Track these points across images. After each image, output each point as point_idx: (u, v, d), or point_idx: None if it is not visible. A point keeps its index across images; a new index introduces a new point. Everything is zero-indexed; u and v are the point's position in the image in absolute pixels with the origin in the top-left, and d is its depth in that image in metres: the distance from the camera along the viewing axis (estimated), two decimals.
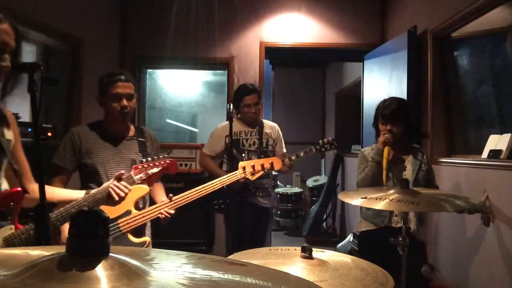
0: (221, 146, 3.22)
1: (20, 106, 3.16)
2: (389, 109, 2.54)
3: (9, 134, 1.40)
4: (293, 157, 2.97)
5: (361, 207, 2.74)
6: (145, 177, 1.97)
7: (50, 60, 3.90)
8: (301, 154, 2.96)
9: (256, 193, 3.11)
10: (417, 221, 2.53)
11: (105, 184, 1.91)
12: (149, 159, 2.00)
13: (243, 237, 2.98)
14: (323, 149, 3.03)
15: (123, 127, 2.25)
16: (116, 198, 1.85)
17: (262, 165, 2.55)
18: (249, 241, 3.04)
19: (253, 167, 2.52)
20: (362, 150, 2.72)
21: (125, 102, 2.13)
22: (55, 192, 1.77)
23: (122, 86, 2.14)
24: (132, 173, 1.96)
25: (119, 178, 1.89)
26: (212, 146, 3.26)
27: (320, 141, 3.02)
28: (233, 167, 3.13)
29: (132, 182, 1.94)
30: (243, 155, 3.13)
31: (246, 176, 2.51)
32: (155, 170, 1.99)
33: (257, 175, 2.56)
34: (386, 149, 2.49)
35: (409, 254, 1.88)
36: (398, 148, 2.57)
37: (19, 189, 1.33)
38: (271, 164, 2.62)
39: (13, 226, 1.35)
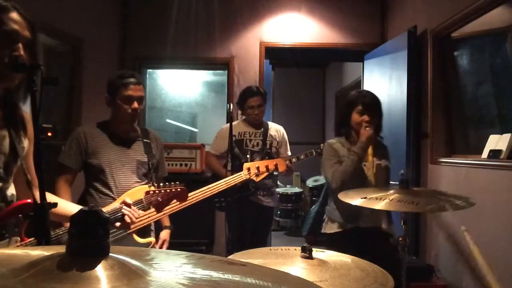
0: (225, 146, 3.24)
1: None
2: (368, 97, 2.40)
3: (25, 140, 1.37)
4: (294, 160, 3.00)
5: None
6: (155, 203, 1.97)
7: (50, 60, 3.89)
8: (302, 156, 2.99)
9: (257, 192, 3.12)
10: (386, 219, 2.42)
11: (112, 206, 1.88)
12: (161, 184, 2.00)
13: (244, 235, 3.00)
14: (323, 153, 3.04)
15: (129, 128, 2.26)
16: (129, 221, 1.85)
17: (267, 167, 2.56)
18: (250, 240, 3.05)
19: (257, 168, 2.53)
20: (328, 142, 2.52)
21: (136, 104, 2.14)
22: (63, 207, 1.53)
23: (134, 89, 2.14)
24: (142, 198, 1.96)
25: (128, 204, 1.87)
26: (217, 146, 3.32)
27: (322, 145, 3.03)
28: (235, 167, 3.14)
29: (142, 208, 1.95)
30: (247, 156, 3.14)
31: (251, 177, 2.51)
32: (165, 197, 1.97)
33: (262, 176, 2.56)
34: (371, 147, 2.33)
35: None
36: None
37: (29, 201, 1.31)
38: (275, 165, 2.62)
39: (18, 238, 1.33)
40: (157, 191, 1.96)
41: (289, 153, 3.35)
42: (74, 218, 0.54)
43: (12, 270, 0.52)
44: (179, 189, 1.98)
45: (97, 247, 0.53)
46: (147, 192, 1.96)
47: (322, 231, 2.54)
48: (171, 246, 2.44)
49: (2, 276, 0.51)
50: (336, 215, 2.43)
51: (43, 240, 1.13)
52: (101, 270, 0.51)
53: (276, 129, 3.35)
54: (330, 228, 2.47)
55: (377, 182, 2.37)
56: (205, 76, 5.70)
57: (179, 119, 5.80)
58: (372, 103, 2.38)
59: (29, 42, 1.29)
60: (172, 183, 2.01)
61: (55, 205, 1.20)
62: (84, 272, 0.50)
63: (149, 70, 5.23)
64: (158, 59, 4.85)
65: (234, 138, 3.21)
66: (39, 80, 1.16)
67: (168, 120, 5.72)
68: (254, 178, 2.53)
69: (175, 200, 2.01)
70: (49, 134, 2.92)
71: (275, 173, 3.11)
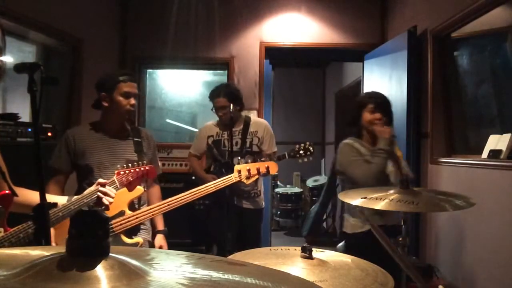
0: (204, 147, 3.21)
1: (20, 106, 3.16)
2: (380, 98, 2.47)
3: None
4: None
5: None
6: (126, 183, 1.98)
7: (50, 60, 3.89)
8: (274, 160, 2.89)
9: (235, 196, 2.97)
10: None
11: (88, 190, 1.86)
12: (130, 165, 2.01)
13: (225, 239, 2.78)
14: (297, 156, 2.93)
15: (120, 127, 2.27)
16: (107, 203, 1.83)
17: (258, 169, 2.48)
18: (237, 243, 2.90)
19: (248, 170, 2.46)
20: (347, 142, 2.53)
21: (133, 101, 2.20)
22: (35, 197, 1.60)
23: (132, 86, 2.21)
24: (115, 178, 1.96)
25: (102, 185, 1.86)
26: (197, 146, 3.27)
27: (296, 147, 2.94)
28: (216, 169, 3.09)
29: (115, 188, 1.94)
30: (226, 156, 3.06)
31: (242, 180, 2.46)
32: (135, 176, 2.01)
33: (252, 179, 2.47)
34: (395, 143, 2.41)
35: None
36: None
37: (8, 191, 1.32)
38: (267, 168, 2.54)
39: (2, 229, 1.34)
40: (127, 171, 1.99)
41: (275, 149, 3.21)
42: (74, 218, 0.54)
43: (12, 270, 0.52)
44: (147, 167, 2.05)
45: (97, 247, 0.53)
46: (118, 173, 1.98)
47: (345, 230, 2.48)
48: (171, 246, 2.42)
49: (2, 276, 0.51)
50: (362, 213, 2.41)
51: (43, 240, 1.13)
52: (101, 270, 0.51)
53: (257, 124, 3.21)
54: (357, 227, 2.43)
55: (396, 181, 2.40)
56: (205, 76, 5.69)
57: (179, 119, 5.79)
58: (383, 103, 2.46)
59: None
60: (140, 162, 2.05)
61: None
62: (84, 272, 0.50)
63: (149, 70, 5.22)
64: (158, 59, 4.85)
65: (212, 139, 3.17)
66: (39, 80, 1.16)
67: (168, 120, 5.71)
68: (245, 181, 2.47)
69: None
70: (49, 134, 2.92)
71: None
